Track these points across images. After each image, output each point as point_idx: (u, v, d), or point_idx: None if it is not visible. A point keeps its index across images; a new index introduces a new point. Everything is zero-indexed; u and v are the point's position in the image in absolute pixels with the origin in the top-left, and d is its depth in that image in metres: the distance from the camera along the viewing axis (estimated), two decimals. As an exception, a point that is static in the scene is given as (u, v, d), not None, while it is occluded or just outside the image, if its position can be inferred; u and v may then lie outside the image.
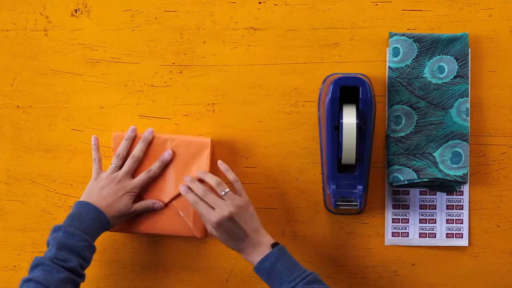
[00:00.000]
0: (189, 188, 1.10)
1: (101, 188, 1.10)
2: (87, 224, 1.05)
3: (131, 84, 1.19)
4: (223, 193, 1.08)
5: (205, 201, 1.07)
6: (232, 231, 1.06)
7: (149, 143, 1.15)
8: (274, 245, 1.06)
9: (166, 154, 1.14)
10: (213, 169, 1.17)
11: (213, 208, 1.06)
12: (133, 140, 1.15)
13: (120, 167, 1.13)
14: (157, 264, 1.20)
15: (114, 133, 1.16)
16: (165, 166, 1.15)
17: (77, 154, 1.20)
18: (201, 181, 1.12)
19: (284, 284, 1.01)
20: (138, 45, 1.19)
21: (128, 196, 1.11)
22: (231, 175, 1.11)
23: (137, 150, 1.14)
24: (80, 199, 1.10)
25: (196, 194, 1.08)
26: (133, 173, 1.14)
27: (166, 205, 1.15)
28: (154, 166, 1.14)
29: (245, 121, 1.19)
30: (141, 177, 1.13)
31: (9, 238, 1.21)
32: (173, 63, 1.19)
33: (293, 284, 1.00)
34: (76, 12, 1.20)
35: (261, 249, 1.05)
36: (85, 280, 1.03)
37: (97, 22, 1.19)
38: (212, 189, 1.09)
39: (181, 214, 1.15)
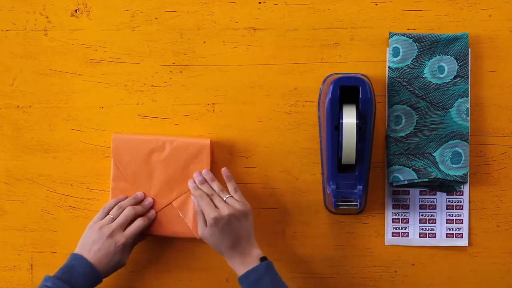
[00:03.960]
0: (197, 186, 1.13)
1: (93, 242, 1.08)
2: (76, 279, 1.04)
3: (131, 84, 1.19)
4: (225, 198, 1.10)
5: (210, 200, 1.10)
6: (225, 233, 1.07)
7: (148, 146, 1.15)
8: (262, 259, 1.06)
9: (150, 214, 1.14)
10: (213, 170, 1.17)
11: (216, 206, 1.09)
12: (139, 203, 1.15)
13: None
14: (157, 264, 1.20)
15: (113, 134, 1.16)
16: (165, 168, 1.15)
17: (77, 154, 1.20)
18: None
19: None
20: (138, 45, 1.19)
21: (119, 253, 1.08)
22: (231, 185, 1.13)
23: (139, 208, 1.13)
24: (76, 250, 1.09)
25: (203, 192, 1.11)
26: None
27: (166, 206, 1.15)
28: (143, 221, 1.12)
29: (245, 121, 1.19)
30: (132, 228, 1.11)
31: (9, 238, 1.21)
32: (173, 63, 1.19)
33: None
34: (76, 12, 1.20)
35: (249, 260, 1.06)
36: None
37: (97, 22, 1.19)
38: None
39: (180, 215, 1.15)
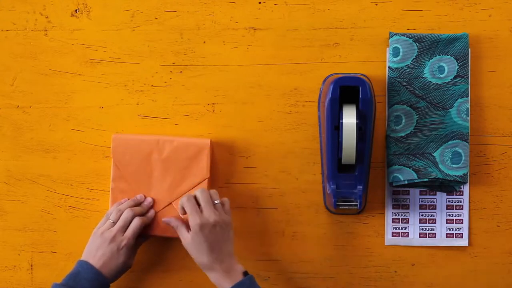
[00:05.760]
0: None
1: (97, 248, 1.08)
2: (82, 285, 1.05)
3: (131, 84, 1.19)
4: (216, 202, 1.09)
5: (197, 202, 1.08)
6: (210, 242, 1.05)
7: (148, 146, 1.15)
8: (245, 274, 1.06)
9: (150, 213, 1.14)
10: (213, 170, 1.17)
11: (201, 211, 1.07)
12: (138, 204, 1.14)
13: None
14: (157, 264, 1.20)
15: (113, 135, 1.16)
16: (165, 168, 1.15)
17: (77, 154, 1.20)
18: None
19: None
20: (138, 45, 1.19)
21: (123, 255, 1.09)
22: (222, 199, 1.11)
23: (138, 209, 1.13)
24: (82, 257, 1.09)
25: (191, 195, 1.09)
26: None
27: (166, 207, 1.15)
28: (141, 219, 1.12)
29: (245, 121, 1.19)
30: (130, 229, 1.11)
31: (9, 238, 1.21)
32: (173, 63, 1.19)
33: None
34: (76, 12, 1.20)
35: (233, 274, 1.05)
36: None
37: (97, 22, 1.19)
38: None
39: (181, 216, 1.15)
